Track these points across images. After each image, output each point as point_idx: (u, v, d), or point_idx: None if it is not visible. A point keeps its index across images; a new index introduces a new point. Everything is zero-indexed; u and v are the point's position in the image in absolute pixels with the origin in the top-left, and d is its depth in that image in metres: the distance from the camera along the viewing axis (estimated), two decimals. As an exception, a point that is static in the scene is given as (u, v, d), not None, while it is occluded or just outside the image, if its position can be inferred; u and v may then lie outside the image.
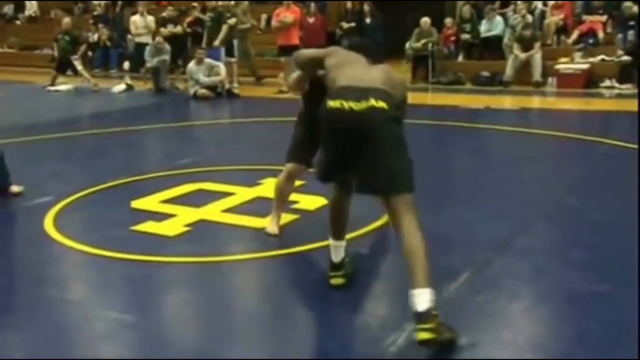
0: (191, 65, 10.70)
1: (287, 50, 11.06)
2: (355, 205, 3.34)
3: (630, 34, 10.78)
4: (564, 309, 3.04)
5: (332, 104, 2.87)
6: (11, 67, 16.06)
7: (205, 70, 10.59)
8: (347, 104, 2.82)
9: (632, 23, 10.87)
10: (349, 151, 2.89)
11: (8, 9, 18.50)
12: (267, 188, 5.03)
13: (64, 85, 12.26)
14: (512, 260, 3.59)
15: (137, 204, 4.69)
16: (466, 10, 12.25)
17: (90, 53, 14.30)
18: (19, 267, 3.79)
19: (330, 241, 3.29)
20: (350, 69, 3.04)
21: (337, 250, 3.27)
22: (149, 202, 4.73)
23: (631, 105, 8.94)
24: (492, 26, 11.87)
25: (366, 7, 12.36)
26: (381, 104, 2.79)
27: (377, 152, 2.79)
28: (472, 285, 3.24)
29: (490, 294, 3.17)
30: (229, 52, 11.49)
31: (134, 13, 13.27)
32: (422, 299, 2.59)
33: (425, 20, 12.06)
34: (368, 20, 12.30)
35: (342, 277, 3.23)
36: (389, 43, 12.41)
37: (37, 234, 4.12)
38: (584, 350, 2.62)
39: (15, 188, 4.95)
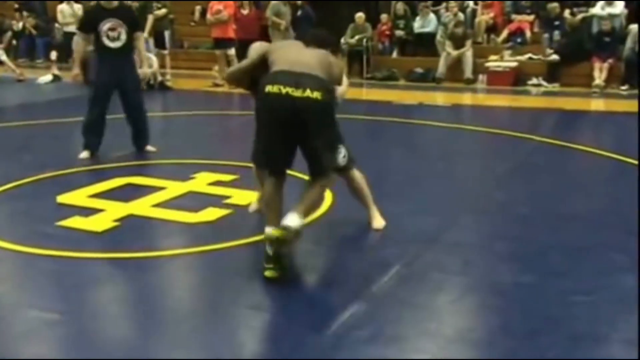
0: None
1: (221, 43, 10.94)
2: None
3: (556, 33, 11.19)
4: (489, 300, 3.13)
5: (270, 88, 3.00)
6: None
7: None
8: (284, 90, 2.97)
9: (557, 23, 11.28)
10: (284, 136, 3.07)
11: None
12: (199, 182, 4.97)
13: (-13, 74, 11.76)
14: (440, 253, 3.67)
15: (63, 198, 4.53)
16: (400, 6, 12.43)
17: (14, 42, 13.71)
18: None
19: (267, 229, 3.26)
20: (286, 52, 3.25)
21: None
22: (75, 197, 4.58)
23: (557, 103, 9.30)
24: (425, 23, 12.08)
25: (299, 3, 12.34)
26: (316, 95, 2.98)
27: (311, 140, 3.05)
28: (401, 278, 3.29)
29: (418, 286, 3.23)
30: (160, 44, 11.26)
31: (61, 1, 12.82)
32: (290, 218, 3.06)
33: (360, 16, 12.17)
34: (299, 13, 12.28)
35: (276, 269, 3.21)
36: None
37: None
38: (507, 339, 2.70)
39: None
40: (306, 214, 3.14)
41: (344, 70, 3.54)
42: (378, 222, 3.98)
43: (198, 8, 14.16)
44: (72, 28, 12.10)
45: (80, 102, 4.06)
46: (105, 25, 5.59)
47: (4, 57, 11.75)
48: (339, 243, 3.83)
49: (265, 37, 12.44)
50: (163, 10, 11.38)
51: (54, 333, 2.83)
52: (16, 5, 15.28)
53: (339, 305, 2.95)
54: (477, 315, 3.03)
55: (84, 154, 5.78)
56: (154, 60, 10.54)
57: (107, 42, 5.61)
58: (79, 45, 6.13)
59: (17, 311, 3.03)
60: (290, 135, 3.12)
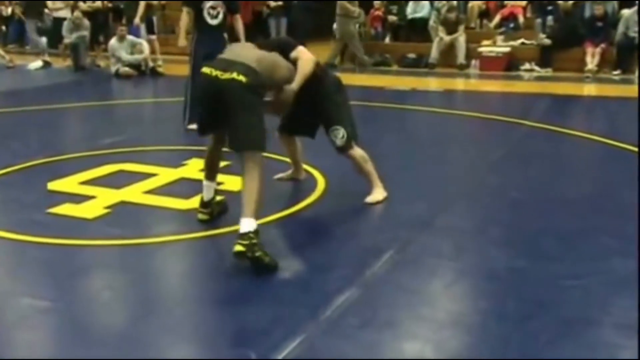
0: (113, 42, 10.34)
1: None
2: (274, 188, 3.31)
3: (549, 19, 11.16)
4: (482, 285, 3.13)
5: (204, 69, 3.41)
6: None
7: (127, 48, 10.27)
8: (214, 72, 3.34)
9: (550, 8, 11.25)
10: (214, 111, 3.44)
11: None
12: (191, 169, 4.94)
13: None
14: (433, 238, 3.67)
15: (54, 185, 4.50)
16: (394, -8, 12.35)
17: (3, 27, 13.57)
18: None
19: (204, 182, 3.80)
20: (236, 47, 3.81)
21: (208, 190, 3.82)
22: (67, 184, 4.55)
23: (550, 88, 9.29)
24: (418, 8, 12.02)
25: None
26: (241, 77, 3.28)
27: (234, 116, 3.31)
28: (394, 263, 3.29)
29: (412, 271, 3.23)
30: (150, 29, 11.18)
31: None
32: (245, 224, 3.15)
33: (353, 2, 12.07)
34: (295, 1, 12.22)
35: (208, 214, 3.81)
36: (316, 23, 12.41)
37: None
38: (500, 323, 2.71)
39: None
40: (256, 211, 3.23)
41: (305, 67, 3.71)
42: (371, 197, 4.17)
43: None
44: (62, 13, 12.01)
45: (71, 88, 4.01)
46: (208, 3, 6.21)
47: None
48: (332, 229, 3.83)
49: (258, 22, 12.38)
50: None
51: (45, 321, 2.82)
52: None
53: (333, 290, 2.95)
54: (470, 300, 3.04)
55: (194, 126, 5.88)
56: (146, 47, 10.47)
57: (208, 19, 6.23)
58: (185, 18, 6.68)
59: (8, 299, 3.01)
60: (217, 110, 3.43)
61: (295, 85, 3.69)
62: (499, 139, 6.33)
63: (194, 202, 4.18)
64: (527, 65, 10.86)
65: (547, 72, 10.66)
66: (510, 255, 3.41)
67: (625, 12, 10.43)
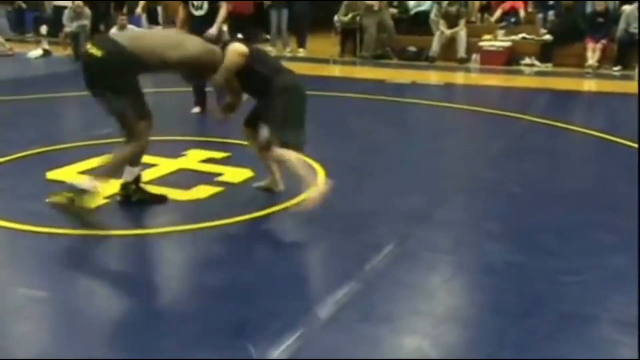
0: (113, 31, 10.28)
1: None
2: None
3: (551, 14, 11.14)
4: (480, 280, 3.14)
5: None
6: None
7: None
8: (90, 49, 3.61)
9: (551, 3, 11.21)
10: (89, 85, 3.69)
11: None
12: (191, 160, 4.94)
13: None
14: (432, 232, 3.67)
15: (53, 175, 4.49)
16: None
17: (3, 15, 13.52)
18: None
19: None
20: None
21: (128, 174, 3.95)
22: (66, 173, 4.54)
23: (550, 83, 9.28)
24: (420, 1, 11.97)
25: None
26: (97, 52, 3.53)
27: (96, 87, 3.64)
28: (393, 257, 3.29)
29: (410, 266, 3.24)
30: (153, 19, 11.15)
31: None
32: (83, 181, 3.60)
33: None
34: None
35: (122, 196, 3.97)
36: (317, 14, 12.36)
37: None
38: (497, 318, 2.71)
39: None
40: (107, 174, 3.67)
41: (234, 55, 3.75)
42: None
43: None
44: (62, 2, 11.96)
45: (70, 77, 4.01)
46: None
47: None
48: (331, 222, 3.82)
49: (260, 12, 12.34)
50: None
51: (41, 311, 2.82)
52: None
53: (332, 284, 2.95)
54: (468, 294, 3.04)
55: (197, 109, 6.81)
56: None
57: (193, 11, 6.42)
58: (180, 12, 6.77)
59: (4, 289, 3.01)
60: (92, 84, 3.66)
61: (217, 75, 3.77)
62: (498, 133, 6.33)
63: (193, 193, 4.19)
64: (527, 60, 10.85)
65: (548, 67, 10.65)
66: (508, 250, 3.41)
67: (627, 8, 10.41)
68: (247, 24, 11.18)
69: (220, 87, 3.94)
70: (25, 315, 2.77)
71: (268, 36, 12.91)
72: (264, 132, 3.87)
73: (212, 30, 6.42)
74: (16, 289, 2.97)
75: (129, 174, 3.95)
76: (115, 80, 3.58)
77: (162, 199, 4.04)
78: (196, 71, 3.99)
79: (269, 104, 3.80)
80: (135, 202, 3.95)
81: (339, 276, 3.04)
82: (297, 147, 3.79)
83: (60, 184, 4.26)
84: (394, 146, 5.80)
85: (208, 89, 6.33)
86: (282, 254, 3.33)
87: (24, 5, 13.95)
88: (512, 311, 2.76)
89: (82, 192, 3.52)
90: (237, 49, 3.74)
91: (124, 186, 3.96)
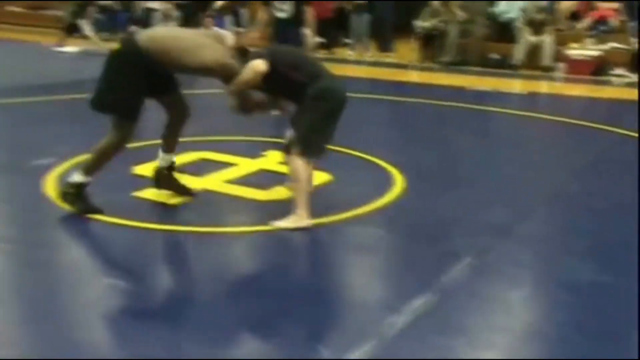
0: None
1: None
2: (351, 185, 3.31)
3: (644, 22, 10.65)
4: (562, 297, 3.04)
5: None
6: (21, 26, 15.93)
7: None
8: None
9: (646, 11, 10.73)
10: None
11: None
12: (270, 160, 5.01)
13: (72, 47, 12.16)
14: (512, 246, 3.58)
15: (139, 169, 4.67)
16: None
17: (98, 16, 14.13)
18: (17, 228, 3.78)
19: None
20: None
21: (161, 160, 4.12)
22: (151, 169, 4.69)
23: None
24: (508, 7, 11.66)
25: None
26: (117, 46, 3.79)
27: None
28: (472, 269, 3.23)
29: (489, 279, 3.17)
30: (237, 22, 11.39)
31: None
32: (75, 176, 3.81)
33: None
34: None
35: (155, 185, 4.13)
36: (400, 19, 12.29)
37: (37, 196, 4.11)
38: (579, 338, 2.62)
39: None
40: (95, 166, 3.83)
41: (249, 73, 3.70)
42: (283, 221, 3.72)
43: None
44: (152, 4, 12.40)
45: None
46: None
47: (89, 31, 12.13)
48: (409, 231, 3.79)
49: (340, 18, 12.40)
50: None
51: (122, 300, 2.93)
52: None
53: (408, 293, 2.92)
54: (548, 312, 2.95)
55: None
56: (230, 38, 10.67)
57: (276, 13, 6.40)
58: (262, 14, 6.87)
59: (91, 278, 3.15)
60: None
61: (231, 86, 3.80)
62: (584, 145, 6.11)
63: (272, 194, 4.25)
64: (617, 71, 10.40)
65: (639, 78, 10.18)
66: (592, 268, 3.29)
67: None
68: (327, 28, 11.24)
69: (233, 98, 3.89)
70: (107, 304, 2.88)
71: (348, 40, 12.95)
72: (290, 134, 3.86)
73: (306, 31, 6.48)
74: (102, 279, 3.10)
75: (163, 160, 4.09)
76: (120, 75, 3.72)
77: (188, 192, 4.13)
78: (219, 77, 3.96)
79: (299, 109, 3.76)
80: (162, 188, 4.12)
81: (415, 285, 3.01)
82: (316, 156, 3.81)
83: (144, 179, 4.43)
84: (475, 155, 5.69)
85: None
86: (358, 259, 3.33)
87: (116, 7, 14.56)
88: (595, 332, 2.66)
89: (77, 185, 3.80)
90: (255, 66, 3.66)
91: (156, 171, 4.11)
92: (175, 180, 4.16)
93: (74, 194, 3.79)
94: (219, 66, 3.76)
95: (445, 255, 3.36)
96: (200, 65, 3.76)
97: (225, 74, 3.80)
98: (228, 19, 11.28)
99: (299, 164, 3.71)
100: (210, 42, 3.87)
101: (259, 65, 3.66)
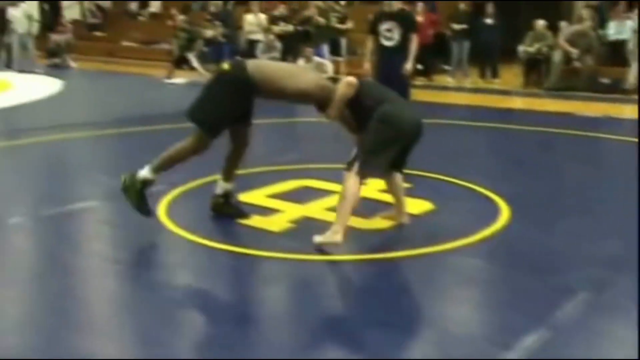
0: (300, 63, 10.84)
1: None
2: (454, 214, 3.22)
3: None
4: (690, 339, 2.80)
5: None
6: (134, 60, 16.95)
7: (313, 68, 10.75)
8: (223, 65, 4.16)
9: None
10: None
11: (134, 5, 19.53)
12: (371, 189, 4.98)
13: (180, 78, 12.77)
14: (632, 280, 3.35)
15: (244, 197, 4.78)
16: (585, 12, 11.63)
17: (205, 48, 14.78)
18: (132, 251, 3.95)
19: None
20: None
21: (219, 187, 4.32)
22: (255, 196, 4.81)
23: None
24: (620, 29, 11.15)
25: (489, 9, 12.01)
26: (225, 66, 4.06)
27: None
28: (588, 305, 3.05)
29: (607, 315, 2.98)
30: (335, 51, 11.56)
31: (247, 11, 13.64)
32: (144, 171, 4.07)
33: (540, 23, 11.57)
34: (489, 21, 11.95)
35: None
36: (503, 44, 12.04)
37: (150, 221, 4.28)
38: None
39: None
40: (161, 166, 4.06)
41: (344, 85, 3.89)
42: (322, 237, 3.77)
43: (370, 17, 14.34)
44: (256, 36, 12.84)
45: (259, 104, 4.40)
46: (383, 26, 6.37)
47: (196, 63, 12.72)
48: (517, 262, 3.64)
49: (440, 44, 12.31)
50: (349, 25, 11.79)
51: (230, 325, 2.97)
52: (208, 16, 16.51)
53: (521, 328, 2.79)
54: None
55: None
56: (329, 67, 10.85)
57: (383, 41, 6.41)
58: (367, 43, 6.88)
59: (200, 301, 3.23)
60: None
61: (330, 110, 3.95)
62: None
63: (373, 223, 4.22)
64: None
65: None
66: None
67: None
68: (425, 55, 11.19)
69: (334, 121, 4.07)
70: (216, 327, 2.94)
71: (447, 67, 12.83)
72: (354, 152, 3.92)
73: (408, 66, 6.48)
74: (210, 302, 3.17)
75: (219, 187, 4.30)
76: (220, 94, 3.96)
77: (243, 216, 4.25)
78: (314, 103, 4.13)
79: (366, 131, 3.85)
80: (218, 213, 4.30)
81: (527, 320, 2.87)
82: (372, 176, 3.92)
83: (249, 205, 4.53)
84: (585, 184, 5.43)
85: None
86: (464, 291, 3.23)
87: (222, 40, 15.18)
88: None
89: (142, 181, 4.04)
90: (348, 80, 3.89)
91: (213, 198, 4.30)
92: (230, 207, 4.31)
93: (138, 189, 4.01)
94: (317, 88, 3.97)
95: (558, 289, 3.20)
96: (299, 90, 3.97)
97: (321, 97, 3.98)
98: (326, 48, 11.47)
99: (352, 182, 3.76)
100: (303, 70, 4.25)
101: (351, 78, 3.92)
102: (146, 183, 4.04)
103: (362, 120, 3.92)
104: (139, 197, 4.04)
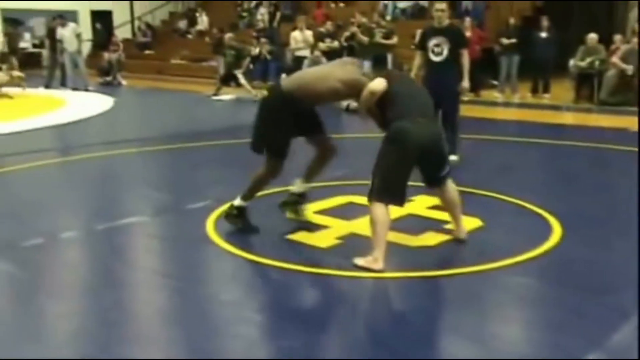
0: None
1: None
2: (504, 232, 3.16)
3: None
4: None
5: None
6: (182, 77, 17.30)
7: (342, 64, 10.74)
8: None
9: None
10: None
11: (182, 24, 20.01)
12: (419, 205, 4.95)
13: (227, 95, 12.97)
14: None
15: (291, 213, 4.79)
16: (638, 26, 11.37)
17: (251, 65, 15.00)
18: (182, 266, 4.00)
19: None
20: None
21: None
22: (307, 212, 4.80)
23: None
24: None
25: (544, 22, 11.85)
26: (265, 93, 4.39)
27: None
28: (645, 327, 2.94)
29: (667, 339, 2.86)
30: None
31: (294, 28, 13.79)
32: (236, 200, 4.42)
33: (592, 37, 11.35)
34: (544, 35, 11.80)
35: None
36: (555, 58, 11.86)
37: (199, 236, 4.34)
38: None
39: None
40: (248, 195, 4.38)
41: (368, 89, 3.93)
42: (362, 259, 3.76)
43: (419, 31, 14.29)
44: (302, 52, 12.96)
45: None
46: (432, 41, 6.33)
47: (243, 80, 12.90)
48: (570, 282, 3.54)
49: (489, 59, 12.17)
50: (394, 40, 11.84)
51: (275, 341, 2.97)
52: (254, 33, 16.77)
53: (575, 350, 2.71)
54: None
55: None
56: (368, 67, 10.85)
57: (432, 57, 6.35)
58: (416, 59, 6.81)
59: (248, 315, 3.24)
60: None
61: (359, 103, 4.10)
62: None
63: (421, 240, 4.18)
64: None
65: None
66: None
67: None
68: (473, 70, 11.07)
69: (364, 113, 4.17)
70: (263, 344, 2.95)
71: (495, 82, 12.67)
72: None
73: (465, 84, 6.41)
74: (257, 317, 3.19)
75: (297, 186, 4.57)
76: (268, 119, 4.21)
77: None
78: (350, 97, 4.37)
79: (378, 153, 3.86)
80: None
81: (582, 342, 2.79)
82: (393, 202, 3.80)
83: (297, 221, 4.54)
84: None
85: None
86: (515, 311, 3.16)
87: (268, 57, 15.37)
88: None
89: (236, 207, 4.38)
90: (372, 84, 3.89)
91: (230, 207, 4.46)
92: (244, 220, 4.40)
93: (235, 214, 4.37)
94: (346, 87, 4.10)
95: (613, 309, 3.09)
96: (330, 89, 4.13)
97: (351, 92, 4.15)
98: (366, 63, 11.47)
99: (377, 211, 3.74)
100: (340, 67, 4.28)
101: (378, 83, 3.88)
102: (240, 209, 4.37)
103: (385, 124, 3.96)
104: (237, 221, 4.38)
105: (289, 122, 4.17)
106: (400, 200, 3.88)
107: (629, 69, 10.58)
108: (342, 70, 4.21)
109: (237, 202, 4.40)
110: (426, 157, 3.88)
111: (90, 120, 10.43)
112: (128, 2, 22.60)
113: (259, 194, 4.52)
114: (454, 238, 4.14)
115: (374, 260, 3.70)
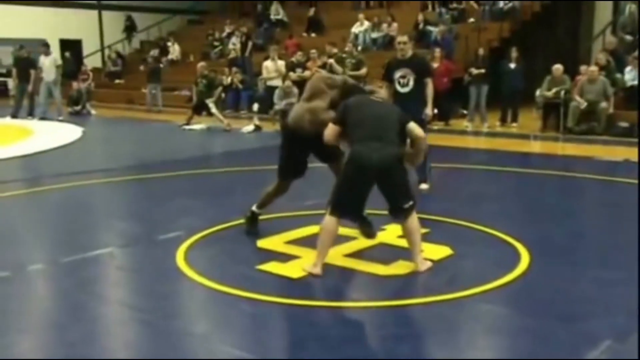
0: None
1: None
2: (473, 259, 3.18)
3: None
4: None
5: None
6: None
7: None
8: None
9: None
10: None
11: (153, 52, 19.95)
12: (390, 234, 4.98)
13: (198, 124, 12.95)
14: (657, 329, 3.28)
15: (262, 243, 4.79)
16: (602, 56, 11.70)
17: (223, 95, 15.03)
18: (150, 298, 3.95)
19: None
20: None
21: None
22: (274, 242, 4.81)
23: None
24: (635, 75, 11.20)
25: (514, 53, 12.12)
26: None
27: None
28: (613, 354, 2.98)
29: (633, 365, 2.91)
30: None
31: (266, 58, 13.89)
32: (254, 206, 5.07)
33: (558, 68, 11.63)
34: (512, 65, 12.07)
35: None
36: (523, 88, 12.13)
37: (169, 267, 4.30)
38: None
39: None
40: (261, 204, 5.04)
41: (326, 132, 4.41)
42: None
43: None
44: (274, 82, 13.04)
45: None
46: (398, 73, 6.40)
47: (215, 109, 12.91)
48: (538, 309, 3.58)
49: (457, 89, 12.39)
50: (363, 71, 12.00)
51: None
52: (226, 63, 16.83)
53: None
54: None
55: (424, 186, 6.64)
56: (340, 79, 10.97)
57: (398, 88, 6.44)
58: (383, 92, 6.73)
59: (220, 348, 3.20)
60: None
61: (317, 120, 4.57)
62: None
63: (392, 268, 4.20)
64: None
65: None
66: None
67: None
68: (441, 99, 11.27)
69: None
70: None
71: (464, 111, 12.88)
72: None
73: (428, 111, 6.51)
74: (231, 350, 3.15)
75: (255, 207, 5.07)
76: (281, 147, 4.87)
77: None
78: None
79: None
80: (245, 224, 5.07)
81: (550, 370, 2.82)
82: (344, 216, 4.23)
83: (268, 252, 4.53)
84: (606, 230, 5.37)
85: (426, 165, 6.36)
86: (485, 339, 3.17)
87: (240, 86, 15.43)
88: None
89: (252, 212, 5.04)
90: (325, 134, 4.35)
91: (250, 211, 5.05)
92: (253, 225, 5.09)
93: (250, 217, 5.03)
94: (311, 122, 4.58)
95: (581, 337, 3.14)
96: (320, 120, 4.52)
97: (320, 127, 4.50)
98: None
99: (327, 220, 4.16)
100: (316, 100, 4.65)
101: (327, 134, 4.35)
102: (254, 213, 5.02)
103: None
104: (248, 224, 5.03)
105: (293, 150, 4.79)
106: (352, 216, 4.40)
107: (582, 103, 10.86)
108: (312, 106, 4.62)
109: (254, 207, 5.04)
110: (383, 181, 4.13)
111: (59, 150, 10.31)
112: (98, 31, 22.57)
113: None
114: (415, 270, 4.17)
115: (314, 266, 4.09)
